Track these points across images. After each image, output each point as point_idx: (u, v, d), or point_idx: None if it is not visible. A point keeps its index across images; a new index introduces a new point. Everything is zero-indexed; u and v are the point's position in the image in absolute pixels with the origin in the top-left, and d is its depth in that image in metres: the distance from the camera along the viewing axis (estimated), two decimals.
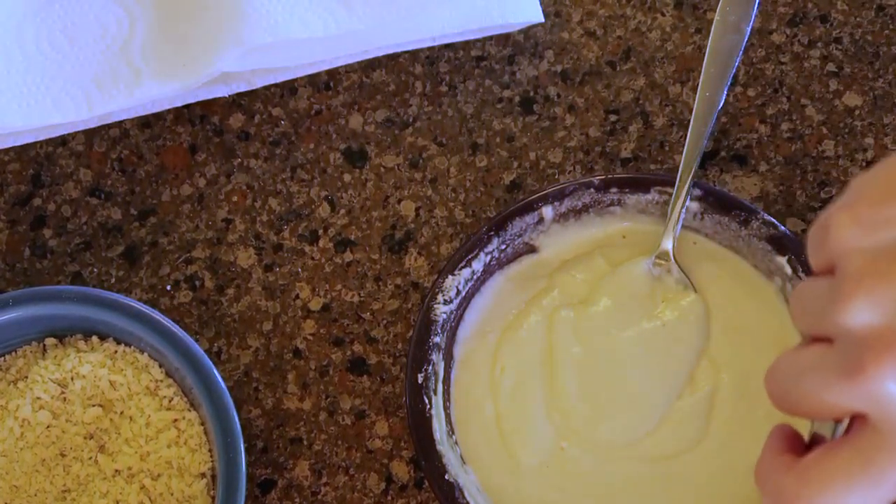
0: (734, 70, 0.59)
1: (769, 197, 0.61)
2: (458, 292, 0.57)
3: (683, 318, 0.57)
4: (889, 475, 0.32)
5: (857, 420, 0.33)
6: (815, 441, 0.37)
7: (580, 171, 0.62)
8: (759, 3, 0.61)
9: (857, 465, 0.33)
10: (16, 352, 0.59)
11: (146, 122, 0.63)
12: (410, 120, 0.63)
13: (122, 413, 0.56)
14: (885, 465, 0.32)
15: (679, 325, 0.57)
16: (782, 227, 0.56)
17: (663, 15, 0.64)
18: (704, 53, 0.60)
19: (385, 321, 0.61)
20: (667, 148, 0.62)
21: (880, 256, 0.32)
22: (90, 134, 0.63)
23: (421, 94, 0.63)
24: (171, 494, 0.55)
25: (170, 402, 0.57)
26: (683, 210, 0.57)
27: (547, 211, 0.58)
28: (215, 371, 0.55)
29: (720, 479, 0.55)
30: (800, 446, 0.37)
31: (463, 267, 0.57)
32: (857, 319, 0.32)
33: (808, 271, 0.55)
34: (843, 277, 0.33)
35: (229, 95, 0.62)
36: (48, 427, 0.56)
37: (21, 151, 0.63)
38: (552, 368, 0.57)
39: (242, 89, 0.62)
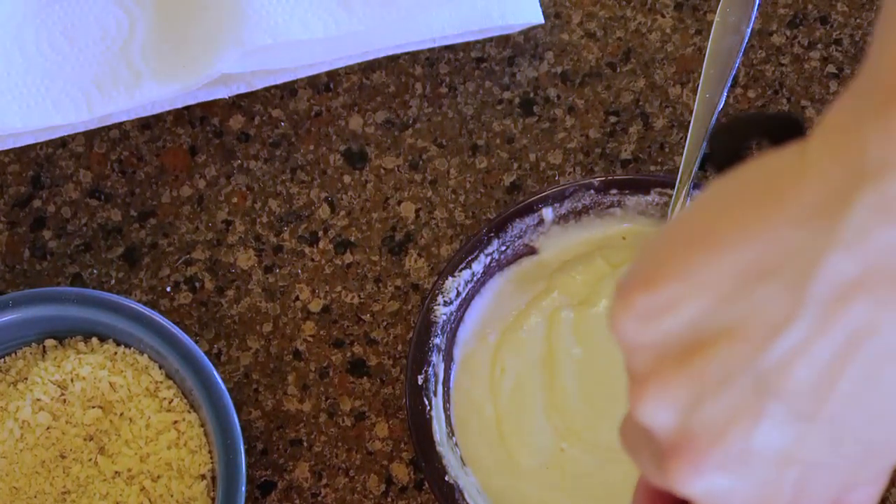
0: (734, 71, 0.59)
1: None
2: (459, 294, 0.57)
3: None
4: None
5: None
6: None
7: (580, 173, 0.62)
8: (759, 5, 0.61)
9: None
10: (15, 353, 0.58)
11: (146, 124, 0.63)
12: (410, 121, 0.63)
13: (121, 415, 0.56)
14: None
15: None
16: None
17: (663, 16, 0.64)
18: (704, 55, 0.60)
19: (385, 323, 0.60)
20: (667, 149, 0.62)
21: (662, 355, 0.30)
22: (90, 135, 0.63)
23: (421, 96, 0.63)
24: (171, 496, 0.55)
25: (170, 403, 0.57)
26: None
27: (547, 212, 0.58)
28: (215, 373, 0.55)
29: None
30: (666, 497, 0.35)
31: (463, 268, 0.57)
32: (649, 421, 0.30)
33: None
34: (630, 377, 0.31)
35: (229, 97, 0.62)
36: (48, 429, 0.56)
37: (21, 153, 0.63)
38: (552, 370, 0.57)
39: (242, 91, 0.62)
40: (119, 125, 0.63)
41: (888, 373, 0.28)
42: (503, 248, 0.58)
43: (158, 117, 0.63)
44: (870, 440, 0.29)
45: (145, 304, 0.60)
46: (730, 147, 0.34)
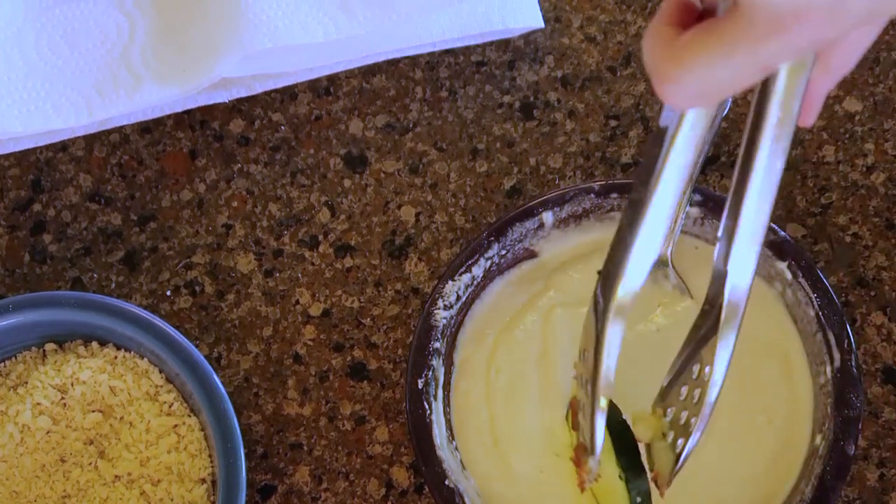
0: None
1: None
2: (459, 298, 0.57)
3: (678, 324, 0.57)
4: (749, 59, 0.33)
5: (731, 6, 0.34)
6: (707, 12, 0.38)
7: (580, 177, 0.62)
8: None
9: (721, 51, 0.34)
10: (16, 357, 0.59)
11: (146, 128, 0.63)
12: (410, 125, 0.63)
13: (122, 418, 0.56)
14: (745, 50, 0.33)
15: (674, 331, 0.57)
16: (782, 233, 0.56)
17: None
18: None
19: (385, 326, 0.60)
20: None
21: None
22: (90, 139, 0.63)
23: (421, 100, 0.63)
24: (171, 500, 0.55)
25: (170, 407, 0.57)
26: (683, 215, 0.57)
27: (547, 216, 0.58)
28: (215, 376, 0.55)
29: (719, 485, 0.55)
30: (690, 16, 0.37)
31: (463, 272, 0.57)
32: None
33: (809, 276, 0.55)
34: None
35: (229, 101, 0.62)
36: (48, 433, 0.56)
37: (21, 157, 0.63)
38: (547, 368, 0.57)
39: (243, 94, 0.62)
40: (119, 129, 0.63)
41: None
42: (503, 251, 0.58)
43: (158, 121, 0.63)
44: None
45: (145, 308, 0.60)
46: None
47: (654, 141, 0.41)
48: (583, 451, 0.50)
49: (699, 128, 0.40)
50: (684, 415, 0.48)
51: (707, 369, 0.46)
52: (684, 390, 0.48)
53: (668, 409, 0.49)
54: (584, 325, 0.48)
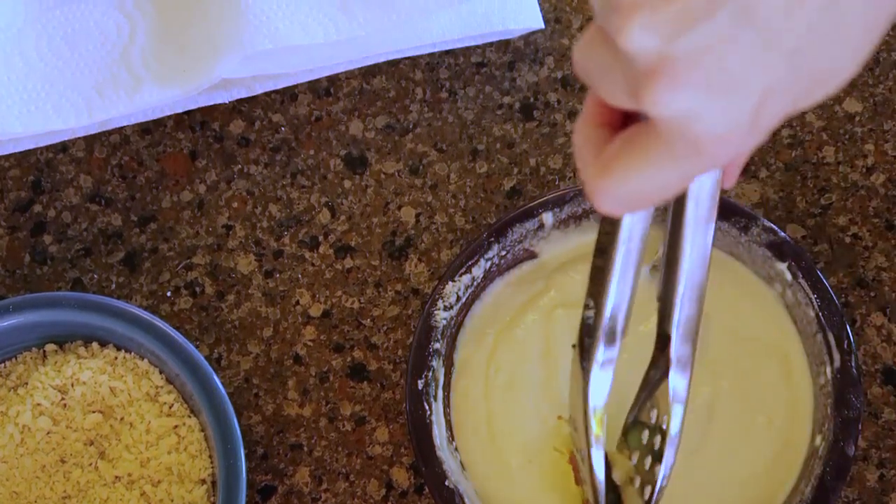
0: None
1: (769, 203, 0.61)
2: (459, 298, 0.57)
3: None
4: (674, 174, 0.34)
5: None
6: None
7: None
8: None
9: (646, 166, 0.35)
10: (16, 358, 0.59)
11: (146, 129, 0.63)
12: (411, 126, 0.63)
13: (122, 419, 0.56)
14: (669, 168, 0.34)
15: None
16: (782, 233, 0.56)
17: None
18: None
19: (385, 327, 0.61)
20: None
21: None
22: (90, 140, 0.63)
23: (421, 101, 0.63)
24: (172, 501, 0.55)
25: (170, 408, 0.57)
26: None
27: (547, 217, 0.58)
28: (215, 377, 0.55)
29: (719, 485, 0.55)
30: (615, 113, 0.38)
31: (463, 273, 0.57)
32: (633, 46, 0.32)
33: (809, 277, 0.55)
34: (613, 6, 0.33)
35: (230, 101, 0.62)
36: (48, 433, 0.56)
37: (21, 157, 0.63)
38: (548, 367, 0.57)
39: (243, 95, 0.62)
40: (119, 130, 0.63)
41: (843, 5, 0.32)
42: (503, 252, 0.58)
43: (159, 122, 0.63)
44: (821, 69, 0.33)
45: (146, 308, 0.60)
46: None
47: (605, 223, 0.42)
48: None
49: (640, 219, 0.41)
50: (648, 461, 0.49)
51: (664, 418, 0.47)
52: (646, 435, 0.49)
53: (633, 454, 0.50)
54: (571, 393, 0.48)
